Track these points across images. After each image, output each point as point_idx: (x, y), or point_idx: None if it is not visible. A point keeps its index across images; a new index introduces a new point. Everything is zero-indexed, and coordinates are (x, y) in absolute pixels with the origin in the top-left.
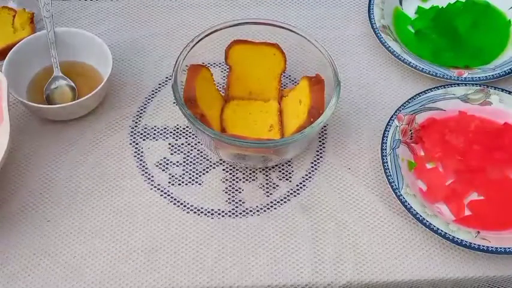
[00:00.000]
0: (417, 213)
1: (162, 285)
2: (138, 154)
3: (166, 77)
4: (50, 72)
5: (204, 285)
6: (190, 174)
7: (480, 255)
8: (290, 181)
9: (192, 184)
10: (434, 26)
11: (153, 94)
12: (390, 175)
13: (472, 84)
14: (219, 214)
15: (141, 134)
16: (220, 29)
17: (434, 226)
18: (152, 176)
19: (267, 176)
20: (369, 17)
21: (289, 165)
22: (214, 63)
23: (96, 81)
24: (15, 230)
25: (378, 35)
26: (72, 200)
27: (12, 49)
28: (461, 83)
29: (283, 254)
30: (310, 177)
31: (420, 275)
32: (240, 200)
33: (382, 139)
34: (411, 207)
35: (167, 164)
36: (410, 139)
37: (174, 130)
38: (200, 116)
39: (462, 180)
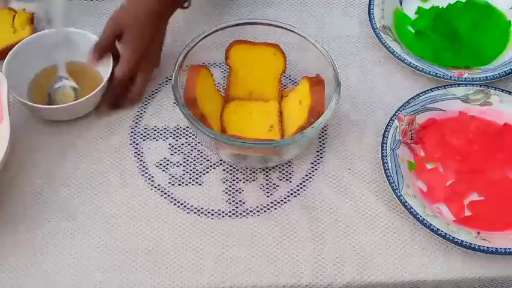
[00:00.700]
0: (417, 213)
1: (162, 285)
2: (139, 154)
3: (167, 78)
4: (50, 73)
5: (204, 285)
6: (190, 174)
7: (480, 256)
8: (290, 181)
9: (192, 184)
10: (434, 26)
11: (153, 94)
12: (390, 175)
13: (472, 84)
14: (219, 214)
15: (142, 134)
16: (220, 29)
17: (435, 226)
18: (152, 177)
19: (267, 176)
20: (369, 17)
21: (289, 165)
22: (214, 63)
23: (96, 81)
24: (15, 230)
25: (378, 35)
26: (72, 200)
27: (13, 49)
28: (462, 83)
29: (283, 254)
30: (310, 177)
31: (420, 275)
32: (240, 201)
33: (382, 139)
34: (411, 207)
35: (167, 164)
36: (411, 139)
37: (174, 130)
38: (200, 117)
39: (462, 180)
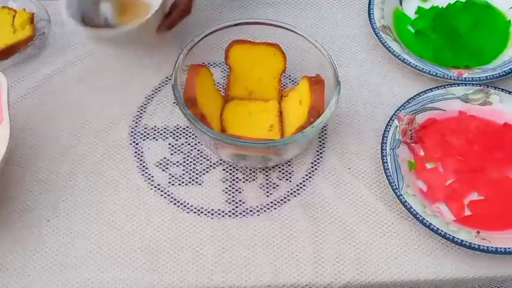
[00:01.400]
0: (417, 213)
1: (162, 285)
2: (138, 154)
3: (166, 77)
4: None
5: (204, 285)
6: (190, 174)
7: (480, 255)
8: (290, 181)
9: (192, 184)
10: (434, 26)
11: (153, 94)
12: (390, 175)
13: (472, 84)
14: (219, 214)
15: (141, 134)
16: (220, 29)
17: (435, 226)
18: (152, 176)
19: (267, 176)
20: (369, 17)
21: (289, 165)
22: (214, 63)
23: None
24: (15, 230)
25: (378, 35)
26: (72, 200)
27: None
28: (461, 83)
29: (283, 254)
30: (310, 177)
31: (420, 275)
32: (240, 200)
33: (382, 139)
34: (411, 207)
35: (167, 164)
36: (411, 139)
37: (174, 130)
38: (200, 116)
39: (462, 180)
